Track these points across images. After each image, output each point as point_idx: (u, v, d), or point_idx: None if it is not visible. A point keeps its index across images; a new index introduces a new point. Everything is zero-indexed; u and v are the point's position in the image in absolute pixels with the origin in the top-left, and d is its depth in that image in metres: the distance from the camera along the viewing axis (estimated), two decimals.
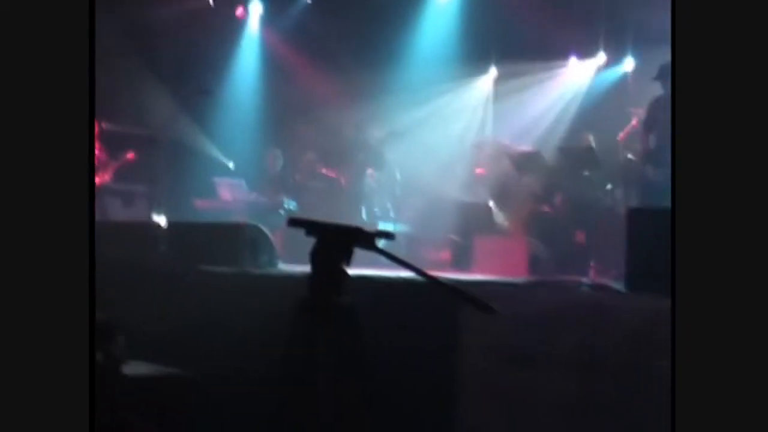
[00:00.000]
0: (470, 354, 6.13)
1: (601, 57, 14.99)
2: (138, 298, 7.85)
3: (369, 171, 13.77)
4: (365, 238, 3.43)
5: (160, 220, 11.48)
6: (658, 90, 10.43)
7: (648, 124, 10.58)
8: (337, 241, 3.39)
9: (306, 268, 3.48)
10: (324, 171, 13.97)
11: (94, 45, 3.59)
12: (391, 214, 13.85)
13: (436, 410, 6.21)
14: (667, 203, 8.89)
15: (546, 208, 12.04)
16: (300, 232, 3.47)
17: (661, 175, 10.00)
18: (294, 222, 3.46)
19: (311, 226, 3.39)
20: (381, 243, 3.54)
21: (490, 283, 7.93)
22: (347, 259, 3.40)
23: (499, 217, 12.47)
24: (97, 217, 12.48)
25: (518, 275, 9.85)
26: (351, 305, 3.48)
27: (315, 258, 3.40)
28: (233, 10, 15.81)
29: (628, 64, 14.44)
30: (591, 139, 12.55)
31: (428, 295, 6.12)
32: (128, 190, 13.68)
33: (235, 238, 8.93)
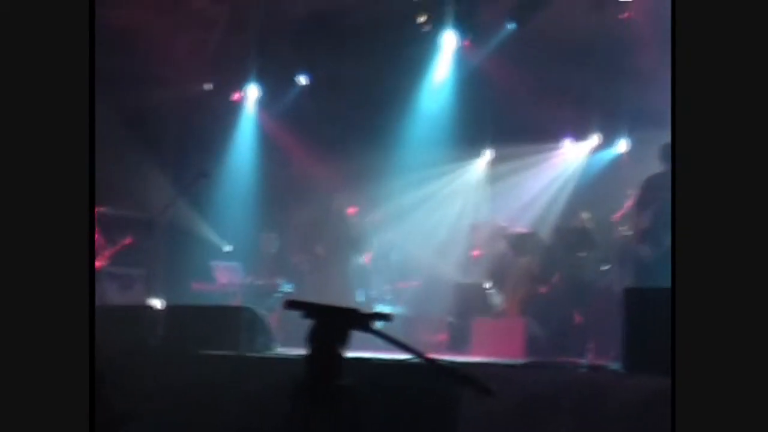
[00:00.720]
0: None
1: (595, 139, 15.09)
2: (135, 381, 7.82)
3: (365, 253, 13.79)
4: (362, 320, 3.45)
5: (158, 303, 11.49)
6: (652, 170, 10.52)
7: (641, 204, 10.64)
8: (334, 323, 3.40)
9: (302, 351, 3.49)
10: (320, 253, 13.98)
11: (94, 127, 3.64)
12: (388, 296, 13.83)
13: None
14: (662, 283, 8.94)
15: (543, 289, 12.05)
16: (296, 315, 3.49)
17: (655, 254, 10.04)
18: (291, 304, 3.49)
19: (308, 309, 3.41)
20: (378, 324, 3.56)
21: (487, 365, 7.92)
22: (344, 341, 3.41)
23: (496, 299, 12.47)
24: (96, 301, 12.50)
25: (515, 356, 9.82)
26: (349, 387, 3.48)
27: (312, 340, 3.41)
28: (230, 94, 15.95)
29: (622, 145, 14.52)
30: (587, 220, 12.59)
31: (425, 376, 6.11)
32: (126, 274, 13.69)
33: (231, 322, 8.94)
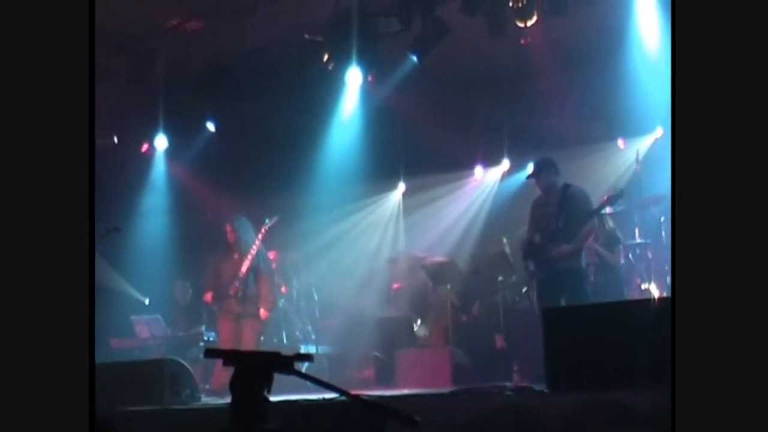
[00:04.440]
0: None
1: (506, 163, 15.28)
2: None
3: (285, 294, 13.72)
4: (284, 363, 3.44)
5: None
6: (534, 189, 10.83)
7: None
8: (255, 368, 3.39)
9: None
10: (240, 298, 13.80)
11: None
12: (313, 336, 13.78)
13: None
14: (581, 300, 9.08)
15: (464, 317, 12.11)
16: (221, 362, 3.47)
17: (541, 268, 10.23)
18: (211, 353, 3.47)
19: (228, 356, 3.39)
20: (302, 366, 3.56)
21: (415, 396, 7.94)
22: (267, 386, 3.40)
23: (420, 330, 12.50)
24: None
25: (442, 385, 9.85)
26: (275, 431, 3.47)
27: (235, 387, 3.39)
28: (138, 146, 15.79)
29: (531, 168, 14.64)
30: (504, 244, 12.69)
31: (353, 413, 6.10)
32: None
33: (154, 375, 8.81)
